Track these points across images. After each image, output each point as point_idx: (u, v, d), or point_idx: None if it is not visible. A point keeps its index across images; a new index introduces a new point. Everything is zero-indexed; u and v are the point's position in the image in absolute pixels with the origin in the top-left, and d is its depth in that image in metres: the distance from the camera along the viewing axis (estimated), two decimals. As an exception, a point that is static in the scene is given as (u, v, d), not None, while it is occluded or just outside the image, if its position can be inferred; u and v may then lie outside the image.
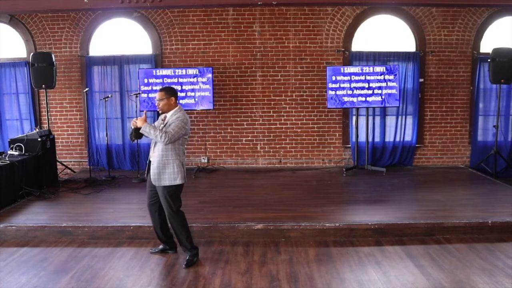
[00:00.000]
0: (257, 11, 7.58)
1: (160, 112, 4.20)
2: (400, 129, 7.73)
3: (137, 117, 4.28)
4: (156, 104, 4.20)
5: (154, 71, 7.30)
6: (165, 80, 7.19)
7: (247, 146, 7.89)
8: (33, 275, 3.94)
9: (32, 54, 7.17)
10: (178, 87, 7.20)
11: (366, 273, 3.92)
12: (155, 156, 4.04)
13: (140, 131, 3.99)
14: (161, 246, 4.40)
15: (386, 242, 4.62)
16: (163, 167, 4.00)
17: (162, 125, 4.09)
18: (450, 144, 7.87)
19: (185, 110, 4.26)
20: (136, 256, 4.34)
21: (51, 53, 7.22)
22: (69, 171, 7.67)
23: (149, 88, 7.22)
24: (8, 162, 5.80)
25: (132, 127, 4.09)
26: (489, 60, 7.08)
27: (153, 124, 4.08)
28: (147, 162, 4.20)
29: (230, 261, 4.20)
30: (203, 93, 7.27)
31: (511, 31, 7.60)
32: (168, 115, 4.13)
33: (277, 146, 7.87)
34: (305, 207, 5.46)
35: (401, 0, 7.15)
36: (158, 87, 6.76)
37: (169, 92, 4.11)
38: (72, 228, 4.83)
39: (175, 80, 7.20)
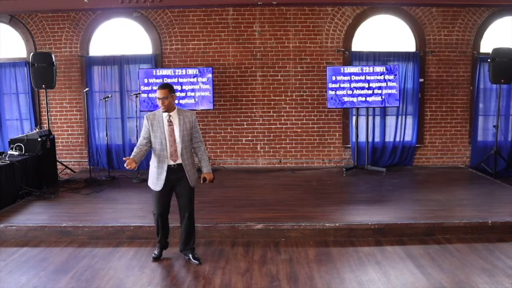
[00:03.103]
0: (257, 11, 7.58)
1: (163, 110, 3.96)
2: (400, 129, 7.73)
3: (203, 178, 4.10)
4: (160, 103, 3.92)
5: (154, 71, 7.30)
6: (165, 80, 7.19)
7: (247, 146, 7.89)
8: (33, 275, 3.94)
9: (32, 54, 7.17)
10: (178, 87, 7.20)
11: (366, 273, 3.92)
12: (185, 159, 4.01)
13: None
14: (159, 252, 4.28)
15: (386, 242, 4.62)
16: (195, 168, 4.13)
17: (179, 129, 3.98)
18: (450, 144, 7.87)
19: (185, 110, 4.24)
20: (136, 256, 4.34)
21: (51, 53, 7.22)
22: (69, 171, 7.67)
23: (149, 88, 7.22)
24: (8, 162, 5.80)
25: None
26: (489, 60, 7.08)
27: (204, 161, 4.13)
28: (166, 167, 3.97)
29: (230, 261, 4.20)
30: (203, 93, 7.28)
31: (511, 31, 7.61)
32: (173, 114, 4.00)
33: (277, 146, 7.86)
34: (305, 207, 5.46)
35: (401, 0, 7.15)
36: (158, 87, 6.77)
37: (172, 89, 4.01)
38: (72, 228, 4.83)
39: (175, 80, 7.20)
